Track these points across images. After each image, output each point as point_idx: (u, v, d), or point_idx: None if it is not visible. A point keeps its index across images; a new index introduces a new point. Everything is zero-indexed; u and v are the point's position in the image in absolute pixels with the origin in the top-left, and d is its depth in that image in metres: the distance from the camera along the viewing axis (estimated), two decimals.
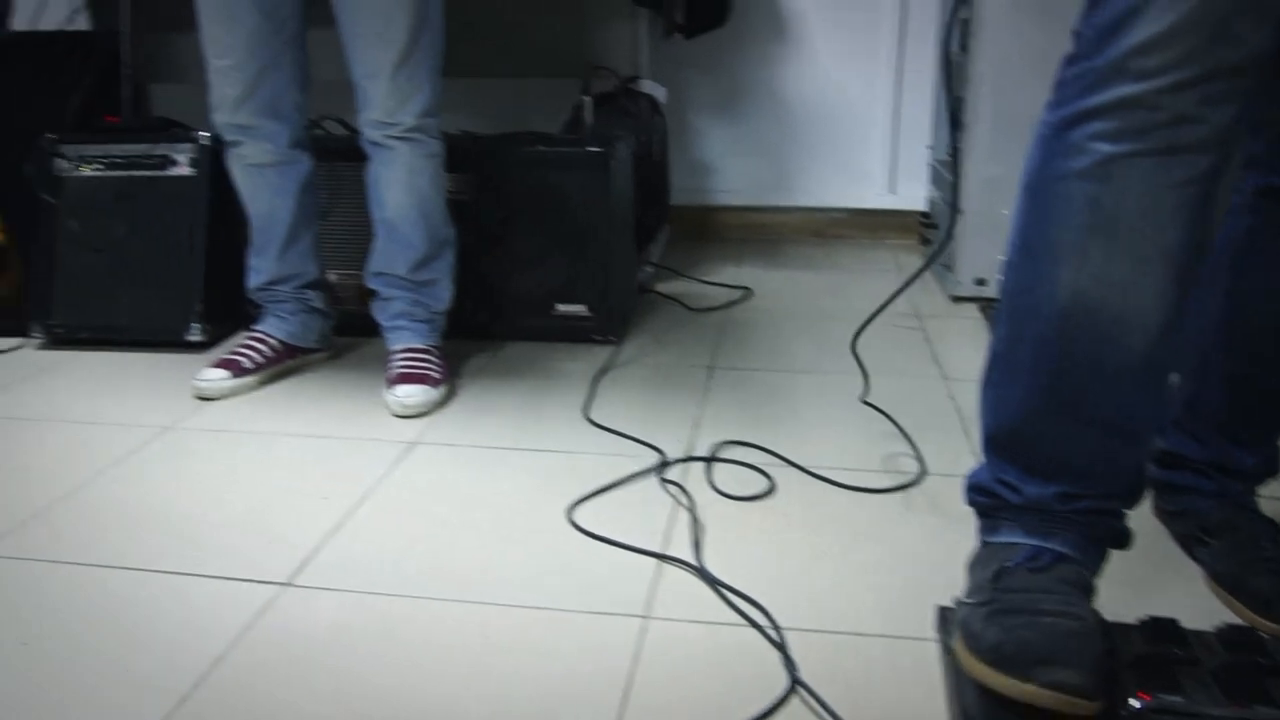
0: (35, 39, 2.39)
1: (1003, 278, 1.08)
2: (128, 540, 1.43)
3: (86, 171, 2.25)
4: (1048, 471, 1.05)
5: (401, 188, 1.89)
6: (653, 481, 1.58)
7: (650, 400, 1.92)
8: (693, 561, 1.34)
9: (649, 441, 1.71)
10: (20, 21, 2.32)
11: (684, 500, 1.52)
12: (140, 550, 1.40)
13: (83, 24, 2.73)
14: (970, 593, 1.07)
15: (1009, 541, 1.08)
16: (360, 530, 1.45)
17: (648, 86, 2.71)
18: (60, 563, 1.37)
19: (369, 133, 1.86)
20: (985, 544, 1.12)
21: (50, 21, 2.52)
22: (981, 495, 1.13)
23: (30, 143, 2.23)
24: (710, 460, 1.65)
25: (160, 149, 2.22)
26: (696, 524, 1.44)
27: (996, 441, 1.11)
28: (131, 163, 2.23)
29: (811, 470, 1.61)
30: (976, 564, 1.11)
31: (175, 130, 2.27)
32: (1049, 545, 1.05)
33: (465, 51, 2.79)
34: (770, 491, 1.55)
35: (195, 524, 1.47)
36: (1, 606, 1.27)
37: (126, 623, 1.22)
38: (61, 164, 2.25)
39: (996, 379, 1.09)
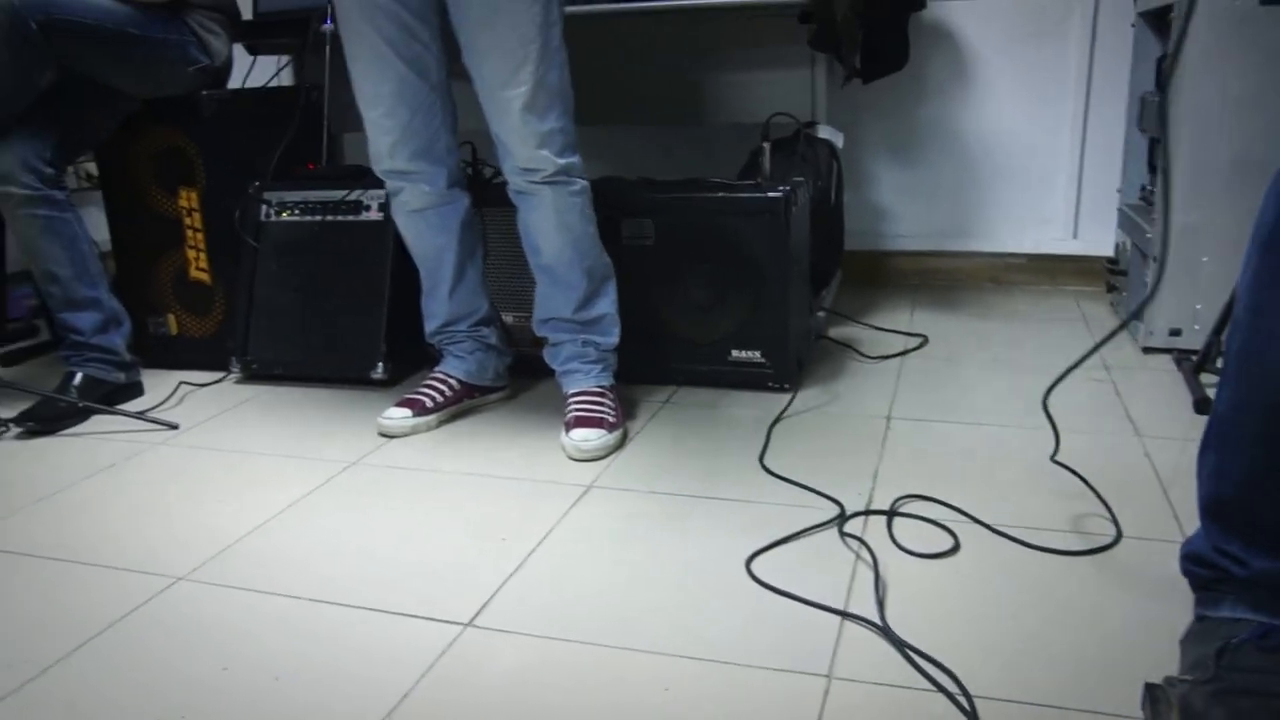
0: (251, 96, 2.55)
1: (1228, 337, 1.00)
2: (315, 573, 1.48)
3: (286, 216, 2.38)
4: (1278, 545, 0.97)
5: (553, 230, 1.92)
6: (832, 534, 1.54)
7: (827, 450, 1.88)
8: (877, 620, 1.29)
9: (827, 493, 1.67)
10: (234, 79, 2.49)
11: (865, 555, 1.47)
12: (327, 583, 1.45)
13: (287, 79, 2.91)
14: (1189, 670, 0.99)
15: (1234, 617, 0.99)
16: (538, 574, 1.46)
17: (825, 132, 2.69)
18: (254, 591, 1.43)
19: (514, 181, 1.90)
20: (1203, 618, 1.04)
21: (257, 78, 2.68)
22: (1199, 566, 1.05)
23: (242, 192, 2.39)
24: (891, 514, 1.60)
25: (353, 195, 2.33)
26: (879, 580, 1.39)
27: (1217, 510, 1.03)
28: (326, 208, 2.35)
29: (998, 529, 1.54)
30: (1194, 639, 1.03)
31: (367, 178, 2.37)
32: None
33: (643, 99, 2.84)
34: (955, 549, 1.49)
35: (378, 560, 1.52)
36: (203, 631, 1.33)
37: (317, 654, 1.26)
38: (264, 209, 2.39)
39: (1219, 444, 1.02)
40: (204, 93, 2.36)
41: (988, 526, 1.55)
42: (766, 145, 2.50)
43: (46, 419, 2.16)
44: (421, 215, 2.00)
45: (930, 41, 3.06)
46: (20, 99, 2.09)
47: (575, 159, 1.89)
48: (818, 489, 1.69)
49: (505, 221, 2.15)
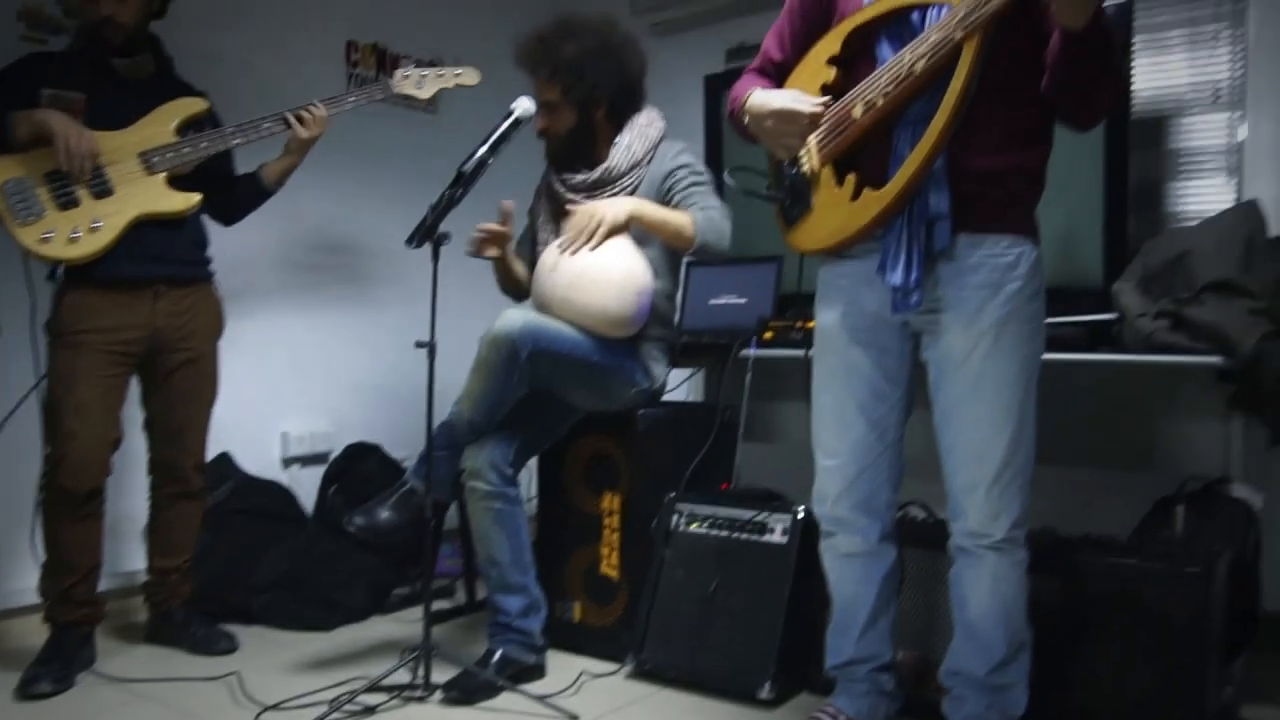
0: (675, 409, 2.84)
1: None
2: None
3: (695, 528, 2.58)
4: None
5: (986, 592, 1.93)
6: None
7: None
8: None
9: None
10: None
11: None
12: None
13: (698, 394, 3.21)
14: None
15: None
16: None
17: (1240, 491, 2.56)
18: None
19: (959, 539, 1.94)
20: None
21: (679, 392, 3.00)
22: None
23: (660, 502, 2.63)
24: None
25: (761, 516, 2.50)
26: None
27: None
28: (734, 525, 2.53)
29: None
30: None
31: (776, 502, 2.54)
32: None
33: (1046, 440, 2.85)
34: None
35: None
36: None
37: None
38: (676, 519, 2.61)
39: None
40: (640, 410, 2.66)
41: None
42: (1180, 509, 2.41)
43: (468, 690, 2.40)
44: (848, 562, 2.09)
45: None
46: (501, 411, 2.48)
47: (1024, 530, 1.91)
48: None
49: (927, 562, 2.19)
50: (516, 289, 2.88)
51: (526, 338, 2.41)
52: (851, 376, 1.97)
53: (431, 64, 2.94)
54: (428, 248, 2.37)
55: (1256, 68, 2.99)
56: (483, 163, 2.41)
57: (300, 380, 3.57)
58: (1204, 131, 3.08)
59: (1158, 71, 3.05)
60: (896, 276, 1.82)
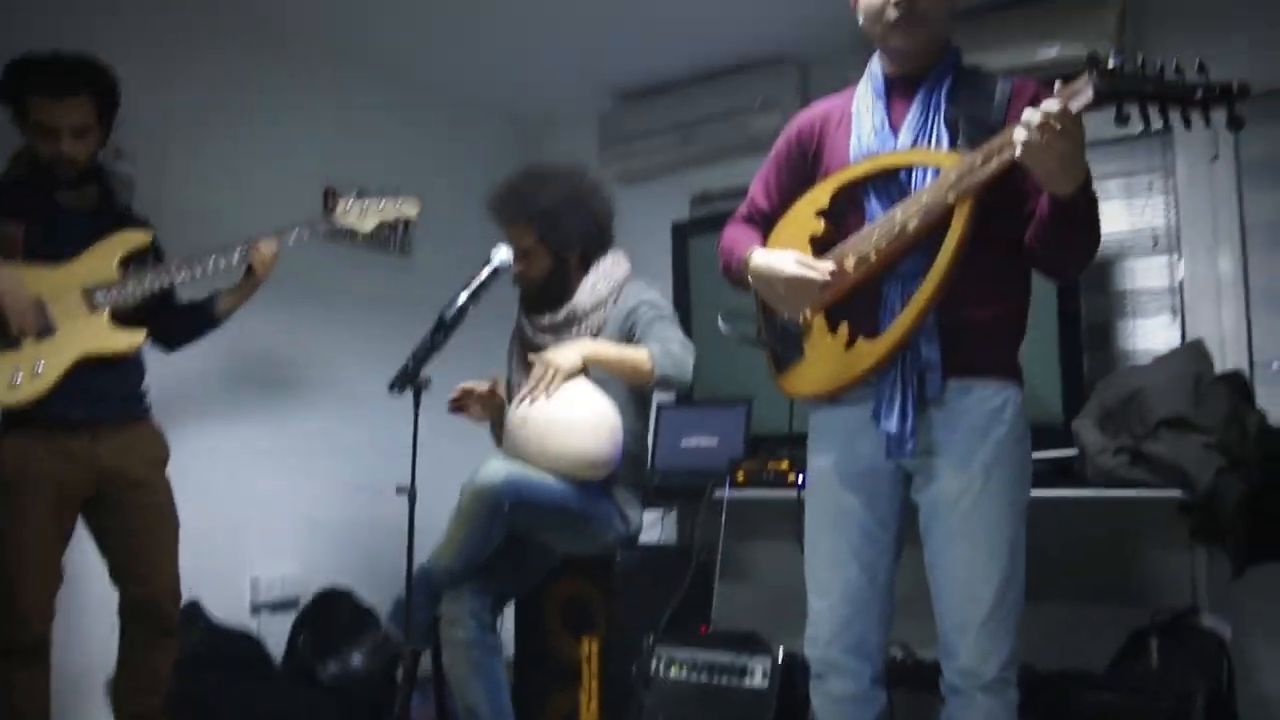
0: (651, 552, 2.86)
1: None
2: None
3: (674, 673, 2.57)
4: None
5: None
6: None
7: None
8: None
9: None
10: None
11: None
12: None
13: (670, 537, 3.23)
14: None
15: None
16: None
17: (1210, 621, 2.61)
18: None
19: (952, 679, 1.95)
20: None
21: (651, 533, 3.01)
22: None
23: (639, 646, 2.62)
24: None
25: (741, 659, 2.50)
26: None
27: None
28: (715, 669, 2.52)
29: None
30: None
31: (756, 644, 2.54)
32: None
33: None
34: None
35: None
36: None
37: None
38: (656, 664, 2.60)
39: None
40: (617, 554, 2.68)
41: None
42: (1154, 640, 2.45)
43: None
44: (840, 705, 2.06)
45: None
46: (480, 559, 2.49)
47: (1014, 669, 1.92)
48: None
49: (914, 704, 2.19)
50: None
51: (509, 490, 2.44)
52: (845, 519, 2.00)
53: (370, 194, 2.92)
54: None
55: (1186, 214, 3.18)
56: (463, 309, 2.47)
57: (269, 522, 3.53)
58: (1146, 273, 3.26)
59: (1102, 217, 3.22)
60: (892, 424, 1.88)
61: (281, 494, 3.56)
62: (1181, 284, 3.17)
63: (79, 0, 3.11)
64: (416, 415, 2.39)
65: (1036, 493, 2.62)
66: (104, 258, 2.54)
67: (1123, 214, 3.25)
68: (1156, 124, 1.65)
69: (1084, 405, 2.82)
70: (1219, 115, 1.62)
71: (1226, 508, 2.53)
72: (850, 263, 1.90)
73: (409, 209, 2.92)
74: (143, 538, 2.58)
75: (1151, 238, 3.23)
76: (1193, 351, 2.80)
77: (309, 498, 3.64)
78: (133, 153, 3.12)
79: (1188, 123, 1.64)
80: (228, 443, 3.41)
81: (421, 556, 2.51)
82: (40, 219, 2.49)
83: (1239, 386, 2.74)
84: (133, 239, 2.60)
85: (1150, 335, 3.23)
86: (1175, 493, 2.53)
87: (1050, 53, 3.13)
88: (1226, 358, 2.99)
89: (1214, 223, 3.13)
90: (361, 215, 2.86)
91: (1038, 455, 2.72)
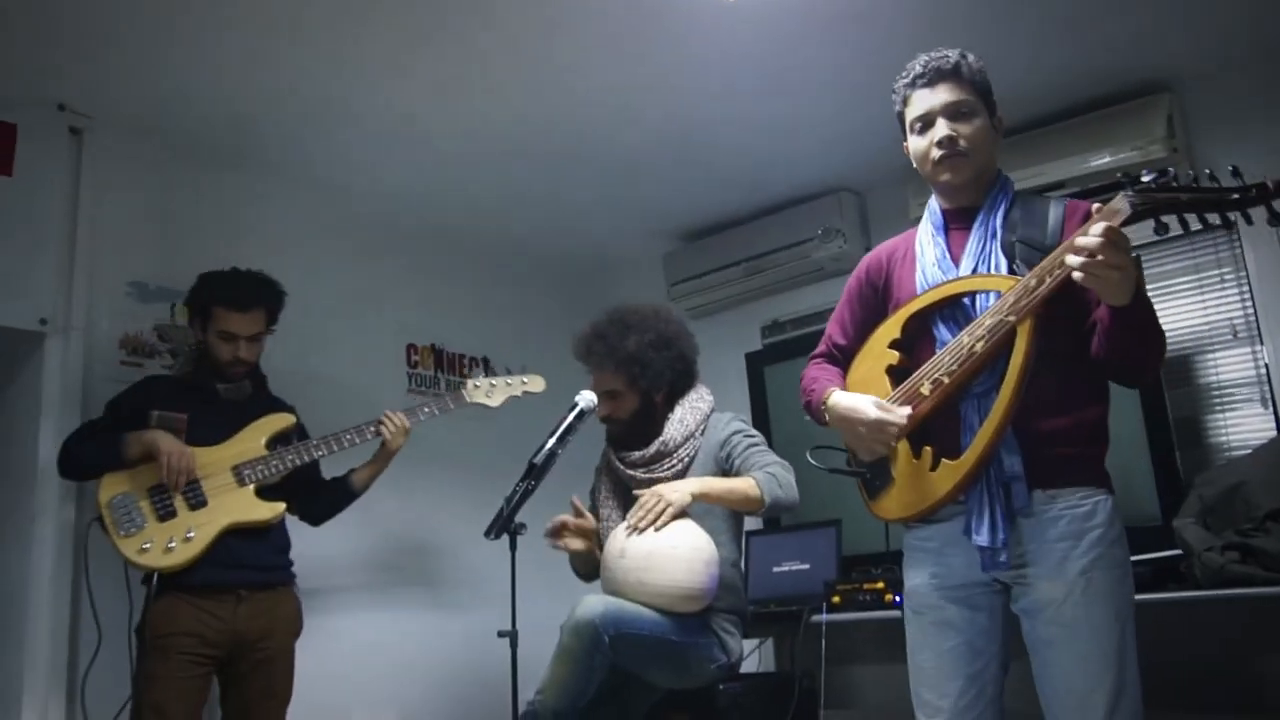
0: (754, 681, 2.82)
1: None
2: None
3: None
4: None
5: None
6: None
7: None
8: None
9: None
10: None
11: None
12: None
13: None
14: None
15: None
16: None
17: None
18: None
19: None
20: None
21: (749, 662, 2.98)
22: None
23: None
24: None
25: None
26: None
27: None
28: None
29: None
30: None
31: None
32: None
33: None
34: None
35: None
36: None
37: None
38: None
39: None
40: (721, 686, 2.66)
41: None
42: None
43: None
44: None
45: None
46: (584, 698, 2.49)
47: None
48: None
49: None
50: (585, 567, 2.95)
51: (608, 623, 2.46)
52: (947, 632, 1.98)
53: (495, 371, 3.17)
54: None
55: (1263, 302, 3.16)
56: (552, 454, 2.55)
57: (367, 671, 3.57)
58: (1230, 365, 3.22)
59: (1176, 313, 3.23)
60: (983, 537, 1.89)
61: (381, 643, 3.60)
62: (1268, 372, 3.13)
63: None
64: (514, 558, 2.44)
65: (1143, 596, 2.58)
66: (253, 439, 2.81)
67: (1196, 307, 3.24)
68: (1196, 227, 1.74)
69: (1183, 504, 2.77)
70: (1259, 212, 1.70)
71: None
72: (925, 388, 1.96)
73: (535, 386, 3.15)
74: (257, 703, 2.76)
75: (1230, 329, 3.21)
76: None
77: (409, 650, 3.67)
78: None
79: (1228, 224, 1.73)
80: (335, 598, 3.48)
81: (523, 700, 2.53)
82: (201, 409, 2.78)
83: None
84: (279, 421, 2.88)
85: (1243, 426, 3.18)
86: None
87: (1103, 160, 3.18)
88: None
89: None
90: (490, 392, 3.10)
91: (1139, 558, 2.69)
